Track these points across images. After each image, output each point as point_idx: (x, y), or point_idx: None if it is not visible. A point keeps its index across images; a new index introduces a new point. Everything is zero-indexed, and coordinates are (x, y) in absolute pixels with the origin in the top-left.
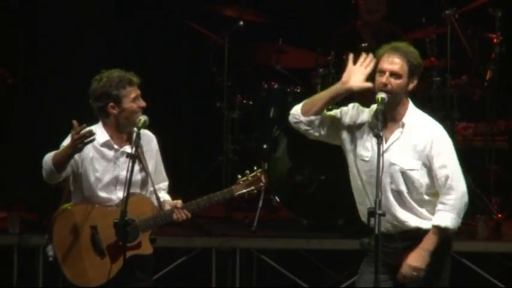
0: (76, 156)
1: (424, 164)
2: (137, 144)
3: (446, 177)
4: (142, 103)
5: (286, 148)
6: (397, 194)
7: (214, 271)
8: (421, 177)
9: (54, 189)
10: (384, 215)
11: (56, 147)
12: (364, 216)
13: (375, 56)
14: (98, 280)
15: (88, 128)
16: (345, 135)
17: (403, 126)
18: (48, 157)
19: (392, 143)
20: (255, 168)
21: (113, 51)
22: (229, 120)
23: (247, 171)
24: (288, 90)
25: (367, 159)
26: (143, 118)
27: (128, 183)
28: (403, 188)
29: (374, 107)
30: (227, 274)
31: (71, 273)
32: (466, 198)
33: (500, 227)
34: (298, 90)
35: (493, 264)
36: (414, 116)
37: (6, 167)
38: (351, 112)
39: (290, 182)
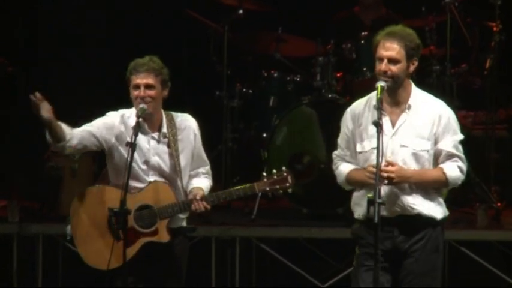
0: (113, 140)
1: (433, 144)
2: (136, 133)
3: (451, 155)
4: (141, 93)
5: (286, 137)
6: None
7: (214, 260)
8: (431, 157)
9: (53, 178)
10: (383, 204)
11: None
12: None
13: (372, 44)
14: (111, 263)
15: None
16: (356, 139)
17: (409, 108)
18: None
19: (400, 126)
20: (283, 168)
21: (112, 40)
22: (228, 109)
23: (274, 170)
24: (288, 78)
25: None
26: (142, 107)
27: (128, 171)
28: (413, 168)
29: (372, 94)
30: (227, 263)
31: (86, 253)
32: (464, 173)
33: (500, 216)
34: (298, 79)
35: (493, 253)
36: (419, 98)
37: (6, 155)
38: (350, 121)
39: (290, 171)
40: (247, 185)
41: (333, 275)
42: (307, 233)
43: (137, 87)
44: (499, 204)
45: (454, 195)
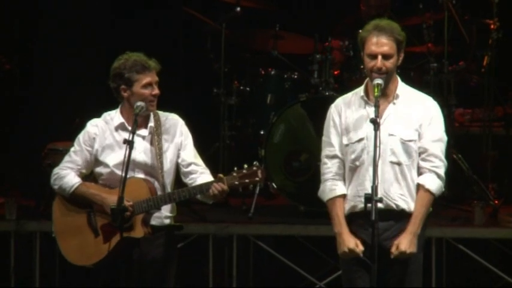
0: (96, 144)
1: (419, 135)
2: (133, 130)
3: (435, 148)
4: (155, 90)
5: (283, 134)
6: (397, 167)
7: (211, 257)
8: (417, 148)
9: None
10: (380, 200)
11: (52, 133)
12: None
13: (359, 40)
14: (91, 259)
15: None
16: (343, 132)
17: (396, 98)
18: (70, 184)
19: (388, 116)
20: (254, 162)
21: (110, 38)
22: (226, 106)
23: (245, 165)
24: (285, 76)
25: (362, 139)
26: (139, 104)
27: (125, 168)
28: (402, 158)
29: (358, 90)
30: (224, 260)
31: (66, 249)
32: (445, 169)
33: (497, 213)
34: (296, 77)
35: (490, 250)
36: (406, 89)
37: (3, 153)
38: (336, 115)
39: (287, 168)
40: (216, 179)
41: (330, 272)
42: (304, 231)
43: (149, 85)
44: (496, 202)
45: (452, 193)
